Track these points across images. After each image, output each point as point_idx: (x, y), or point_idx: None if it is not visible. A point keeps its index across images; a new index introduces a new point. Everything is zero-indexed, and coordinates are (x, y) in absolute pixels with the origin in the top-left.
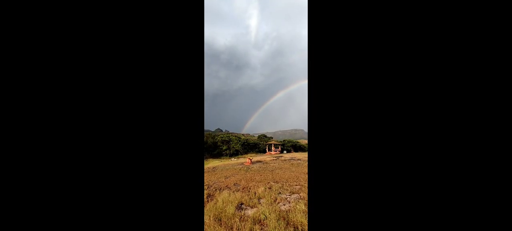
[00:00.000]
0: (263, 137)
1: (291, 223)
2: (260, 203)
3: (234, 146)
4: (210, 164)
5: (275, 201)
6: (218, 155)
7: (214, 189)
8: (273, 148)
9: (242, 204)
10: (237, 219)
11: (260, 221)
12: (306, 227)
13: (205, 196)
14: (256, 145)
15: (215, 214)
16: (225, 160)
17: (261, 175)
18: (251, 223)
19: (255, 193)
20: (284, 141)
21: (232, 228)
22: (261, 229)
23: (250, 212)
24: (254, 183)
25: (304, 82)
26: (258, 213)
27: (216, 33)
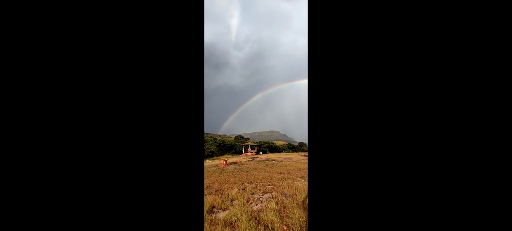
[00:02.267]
0: (240, 138)
1: (262, 222)
2: (232, 205)
3: (210, 147)
4: None
5: (248, 201)
6: None
7: None
8: (249, 149)
9: (213, 207)
10: (206, 224)
11: (231, 223)
12: (277, 225)
13: None
14: (232, 146)
15: None
16: None
17: (235, 177)
18: (221, 226)
19: (228, 195)
20: (260, 142)
21: None
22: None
23: (221, 215)
24: (228, 184)
25: (282, 86)
26: (230, 215)
27: None
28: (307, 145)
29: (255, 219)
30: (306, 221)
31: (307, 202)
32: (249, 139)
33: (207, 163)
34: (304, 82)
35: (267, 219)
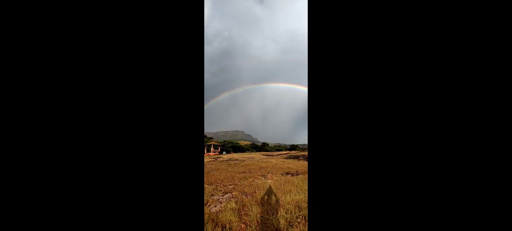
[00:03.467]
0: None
1: (220, 223)
2: None
3: None
4: None
5: (206, 204)
6: None
7: None
8: (212, 149)
9: None
10: None
11: None
12: (235, 224)
13: None
14: None
15: None
16: None
17: None
18: None
19: None
20: (224, 141)
21: None
22: None
23: None
24: None
25: (250, 87)
26: None
27: None
28: (269, 144)
29: (213, 221)
30: (262, 216)
31: (265, 198)
32: (212, 138)
33: None
34: (272, 85)
35: (225, 219)
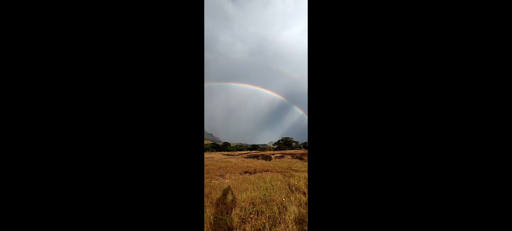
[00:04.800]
0: None
1: None
2: None
3: None
4: None
5: None
6: None
7: None
8: None
9: None
10: None
11: None
12: None
13: None
14: None
15: None
16: None
17: None
18: None
19: None
20: None
21: None
22: None
23: None
24: None
25: (214, 84)
26: None
27: None
28: (230, 144)
29: None
30: (216, 217)
31: (221, 198)
32: None
33: None
34: (237, 85)
35: None
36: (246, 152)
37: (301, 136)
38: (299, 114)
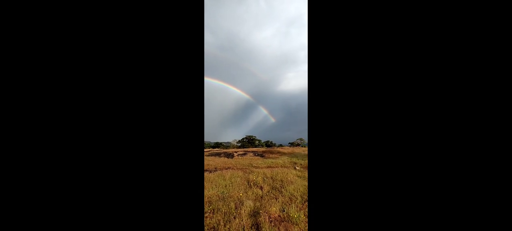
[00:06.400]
0: None
1: None
2: None
3: None
4: None
5: None
6: None
7: None
8: None
9: None
10: None
11: None
12: None
13: None
14: None
15: None
16: None
17: None
18: None
19: None
20: None
21: None
22: None
23: None
24: None
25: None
26: None
27: None
28: (207, 143)
29: None
30: None
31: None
32: None
33: None
34: (211, 81)
35: None
36: (209, 149)
37: (264, 134)
38: (264, 114)
